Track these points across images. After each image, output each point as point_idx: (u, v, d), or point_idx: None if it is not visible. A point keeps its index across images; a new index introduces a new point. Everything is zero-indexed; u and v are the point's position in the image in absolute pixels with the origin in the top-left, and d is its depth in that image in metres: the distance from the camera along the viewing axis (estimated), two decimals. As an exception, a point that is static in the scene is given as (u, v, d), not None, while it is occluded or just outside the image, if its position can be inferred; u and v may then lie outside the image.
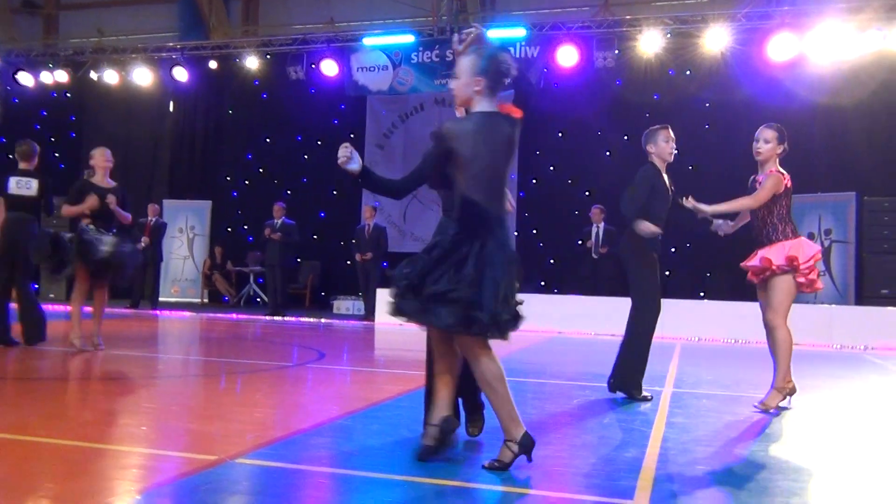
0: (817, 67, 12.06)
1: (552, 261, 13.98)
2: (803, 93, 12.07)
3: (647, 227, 5.31)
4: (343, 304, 14.23)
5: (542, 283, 13.65)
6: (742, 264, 5.35)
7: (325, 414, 4.93)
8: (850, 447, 4.30)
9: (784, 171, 5.17)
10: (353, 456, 3.66)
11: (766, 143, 5.20)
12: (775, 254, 5.07)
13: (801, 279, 5.05)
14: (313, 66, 14.75)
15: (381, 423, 4.44)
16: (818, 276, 5.17)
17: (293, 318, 12.65)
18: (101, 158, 7.32)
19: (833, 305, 11.30)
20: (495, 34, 13.79)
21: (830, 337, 10.38)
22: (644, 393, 5.43)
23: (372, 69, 14.68)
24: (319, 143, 15.50)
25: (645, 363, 5.47)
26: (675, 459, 3.71)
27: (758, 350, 9.94)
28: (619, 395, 5.51)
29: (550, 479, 3.38)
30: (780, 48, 12.05)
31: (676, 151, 5.49)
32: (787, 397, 5.26)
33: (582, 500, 3.09)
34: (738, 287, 12.22)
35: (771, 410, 5.08)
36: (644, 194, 5.39)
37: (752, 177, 5.31)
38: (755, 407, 5.15)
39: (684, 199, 5.38)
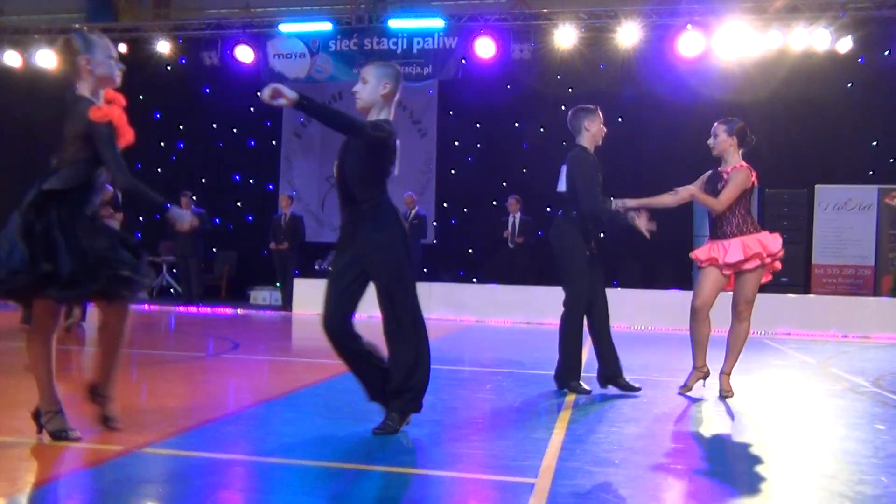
0: (723, 64, 12.52)
1: (470, 250, 14.13)
2: (710, 88, 12.51)
3: (642, 222, 5.04)
4: (259, 295, 14.01)
5: (462, 273, 13.78)
6: (722, 259, 5.12)
7: (238, 403, 4.91)
8: (746, 425, 4.54)
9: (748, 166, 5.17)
10: (266, 443, 3.67)
11: (715, 137, 5.25)
12: (753, 247, 5.06)
13: (768, 272, 5.20)
14: (228, 52, 14.45)
15: (296, 412, 4.44)
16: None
17: (208, 309, 12.42)
18: None
19: (736, 292, 11.75)
20: (414, 24, 13.83)
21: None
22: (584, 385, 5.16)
23: (289, 56, 14.47)
24: (235, 130, 15.22)
25: (581, 353, 5.29)
26: (581, 439, 3.85)
27: (665, 336, 10.32)
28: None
29: (459, 460, 3.46)
30: (689, 45, 12.46)
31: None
32: (703, 380, 5.44)
33: (488, 479, 3.19)
34: (648, 276, 12.71)
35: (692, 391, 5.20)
36: (598, 183, 5.15)
37: (718, 169, 5.23)
38: (679, 392, 5.25)
39: (612, 200, 5.20)
